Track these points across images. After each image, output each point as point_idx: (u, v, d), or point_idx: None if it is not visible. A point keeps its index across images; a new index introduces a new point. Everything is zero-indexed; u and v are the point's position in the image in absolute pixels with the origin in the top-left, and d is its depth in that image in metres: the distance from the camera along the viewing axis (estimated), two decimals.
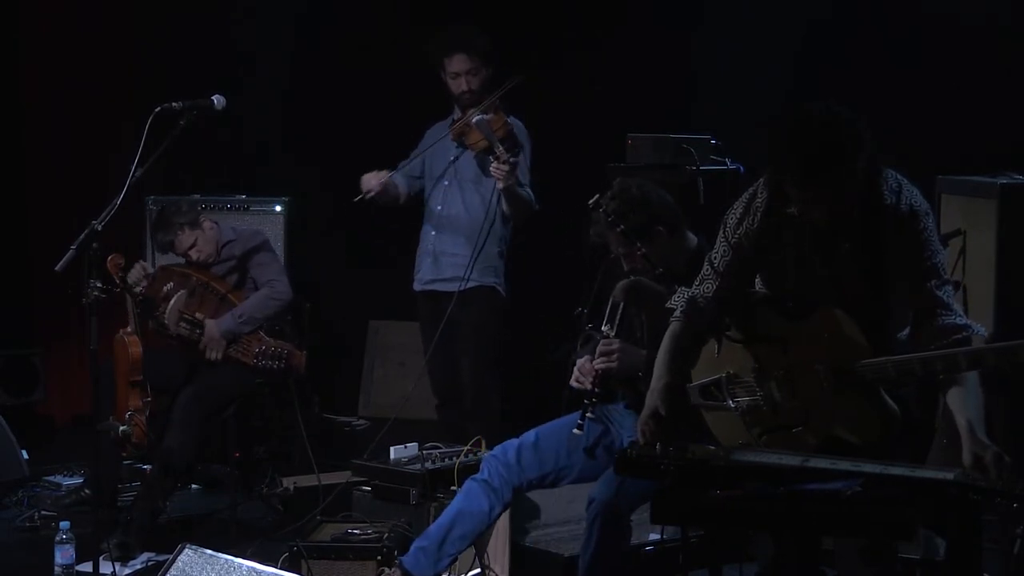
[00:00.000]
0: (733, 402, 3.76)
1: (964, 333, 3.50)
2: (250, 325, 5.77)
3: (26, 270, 7.56)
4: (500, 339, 5.88)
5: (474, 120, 5.65)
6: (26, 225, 7.64)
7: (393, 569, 4.62)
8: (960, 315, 3.54)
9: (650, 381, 3.88)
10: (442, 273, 5.84)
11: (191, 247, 5.88)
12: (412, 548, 4.60)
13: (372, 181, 5.83)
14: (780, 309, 3.73)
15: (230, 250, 5.98)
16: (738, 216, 3.75)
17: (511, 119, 5.75)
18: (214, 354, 5.72)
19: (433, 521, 4.72)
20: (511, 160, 5.51)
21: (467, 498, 4.61)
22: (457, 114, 5.88)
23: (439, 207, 5.87)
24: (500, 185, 5.58)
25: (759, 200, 3.70)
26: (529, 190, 5.78)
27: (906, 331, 3.65)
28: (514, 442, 4.67)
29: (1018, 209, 5.26)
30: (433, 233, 5.87)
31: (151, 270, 5.90)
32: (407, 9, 7.67)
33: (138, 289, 5.79)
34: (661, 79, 7.12)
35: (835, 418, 3.58)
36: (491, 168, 5.59)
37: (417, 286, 5.96)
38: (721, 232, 3.79)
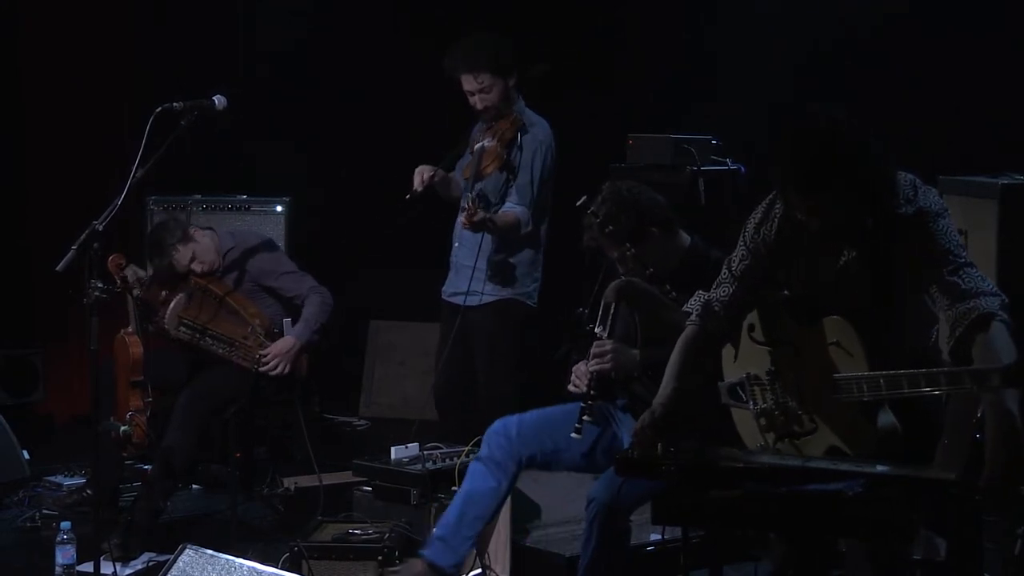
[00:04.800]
0: (752, 404, 3.76)
1: (973, 316, 3.40)
2: (319, 334, 5.78)
3: (26, 270, 7.56)
4: (517, 351, 5.78)
5: (476, 147, 5.59)
6: (26, 225, 7.64)
7: (415, 560, 4.59)
8: (975, 295, 3.42)
9: (646, 381, 3.88)
10: (460, 286, 5.79)
11: (191, 261, 5.85)
12: (432, 539, 4.60)
13: (416, 179, 5.70)
14: (794, 313, 3.72)
15: (233, 256, 5.95)
16: (757, 221, 3.75)
17: (534, 131, 5.63)
18: (283, 367, 5.66)
19: (435, 520, 4.72)
20: (476, 218, 5.37)
21: (473, 480, 4.61)
22: (485, 123, 5.79)
23: (461, 216, 5.82)
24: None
25: (778, 207, 3.69)
26: (522, 207, 5.60)
27: (935, 330, 3.64)
28: (514, 417, 4.66)
29: (1018, 209, 5.25)
30: (456, 244, 5.83)
31: (142, 274, 5.85)
32: (409, 8, 7.69)
33: (136, 292, 5.77)
34: (662, 79, 7.13)
35: (836, 429, 3.58)
36: (460, 219, 5.52)
37: (442, 295, 5.94)
38: (741, 237, 3.78)
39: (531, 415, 4.66)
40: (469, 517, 4.57)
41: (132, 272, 5.78)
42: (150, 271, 5.98)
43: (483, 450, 4.64)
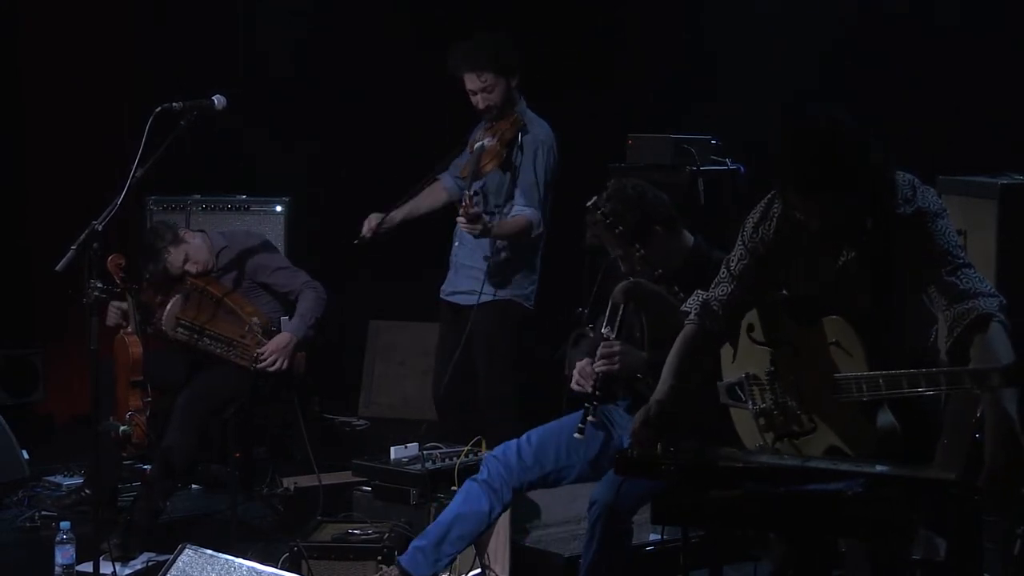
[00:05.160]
0: (751, 404, 3.76)
1: (971, 316, 3.39)
2: (315, 328, 5.78)
3: (26, 270, 7.56)
4: (514, 351, 5.80)
5: (476, 146, 5.62)
6: (26, 225, 7.63)
7: (391, 567, 4.62)
8: (973, 295, 3.41)
9: (651, 382, 3.87)
10: (459, 285, 5.81)
11: (185, 262, 5.85)
12: (410, 548, 4.60)
13: (364, 227, 5.85)
14: (793, 313, 3.72)
15: (228, 255, 5.95)
16: (755, 221, 3.74)
17: (534, 132, 5.65)
18: (282, 362, 5.65)
19: (433, 521, 4.72)
20: (474, 212, 5.42)
21: (467, 499, 4.61)
22: (487, 123, 5.82)
23: (459, 216, 5.81)
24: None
25: (776, 206, 3.69)
26: (532, 208, 5.62)
27: (935, 330, 3.64)
28: (514, 443, 4.66)
29: (1018, 209, 5.26)
30: (456, 243, 5.84)
31: (126, 307, 5.83)
32: (410, 8, 7.69)
33: (125, 325, 5.77)
34: (662, 79, 7.13)
35: (835, 429, 3.57)
36: (458, 218, 5.54)
37: (440, 295, 5.95)
38: (739, 236, 3.78)
39: (531, 438, 4.65)
40: (453, 536, 4.57)
41: (116, 311, 5.76)
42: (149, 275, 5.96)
43: (482, 472, 4.64)
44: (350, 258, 7.61)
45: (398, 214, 5.95)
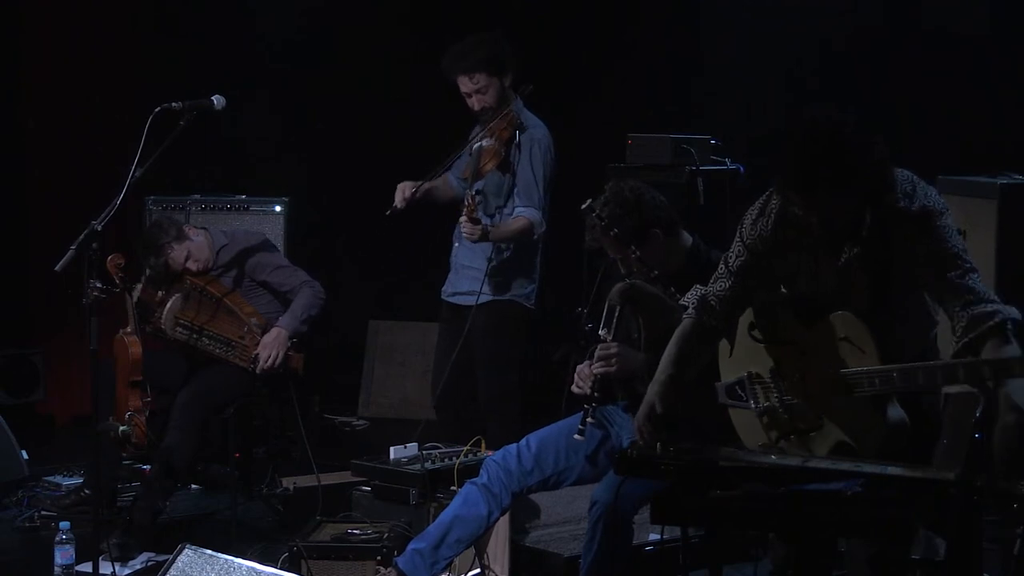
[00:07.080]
0: (754, 403, 3.76)
1: (995, 319, 3.40)
2: (307, 325, 5.77)
3: (26, 270, 7.56)
4: (515, 352, 5.79)
5: (474, 147, 5.62)
6: (26, 225, 7.63)
7: (389, 570, 4.61)
8: (990, 301, 3.44)
9: (649, 383, 3.87)
10: (460, 286, 5.80)
11: (187, 259, 5.86)
12: (408, 549, 4.60)
13: (397, 196, 5.76)
14: (796, 311, 3.72)
15: (227, 253, 5.96)
16: (753, 218, 3.75)
17: (531, 131, 5.64)
18: (275, 354, 5.64)
19: (432, 522, 4.71)
20: (475, 215, 5.43)
21: (465, 502, 4.61)
22: (483, 124, 5.80)
23: (462, 217, 5.81)
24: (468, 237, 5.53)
25: (774, 203, 3.70)
26: (532, 209, 5.61)
27: (935, 331, 3.63)
28: (514, 447, 4.66)
29: (1018, 209, 5.26)
30: (456, 244, 5.84)
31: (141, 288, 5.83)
32: (411, 9, 7.69)
33: (136, 294, 5.78)
34: (662, 79, 7.14)
35: (843, 425, 3.57)
36: (460, 220, 5.53)
37: (441, 295, 5.94)
38: (738, 233, 3.79)
39: (530, 442, 4.65)
40: (451, 539, 4.57)
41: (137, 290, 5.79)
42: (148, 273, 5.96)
43: (481, 476, 4.63)
44: (350, 258, 7.62)
45: (429, 184, 5.86)
